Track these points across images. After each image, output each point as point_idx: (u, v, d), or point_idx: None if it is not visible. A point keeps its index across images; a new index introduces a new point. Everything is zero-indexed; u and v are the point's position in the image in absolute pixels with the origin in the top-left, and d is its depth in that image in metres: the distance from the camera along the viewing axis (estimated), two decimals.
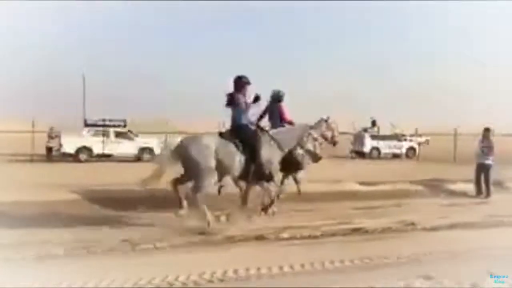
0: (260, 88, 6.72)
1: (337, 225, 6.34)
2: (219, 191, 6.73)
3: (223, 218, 6.32)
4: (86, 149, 18.60)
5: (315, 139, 7.40)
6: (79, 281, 3.94)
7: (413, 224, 6.53)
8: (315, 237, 5.81)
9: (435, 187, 10.39)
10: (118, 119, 21.01)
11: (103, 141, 18.71)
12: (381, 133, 25.67)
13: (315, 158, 7.48)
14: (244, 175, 6.20)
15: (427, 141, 38.15)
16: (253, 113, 6.82)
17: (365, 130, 25.41)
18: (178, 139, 6.24)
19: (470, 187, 10.15)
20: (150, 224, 6.29)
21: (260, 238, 5.65)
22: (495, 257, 4.94)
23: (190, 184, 6.08)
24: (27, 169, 14.91)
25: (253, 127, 6.63)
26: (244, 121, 6.37)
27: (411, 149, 25.02)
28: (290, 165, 6.98)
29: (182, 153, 5.96)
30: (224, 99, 6.39)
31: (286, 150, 6.66)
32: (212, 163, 5.91)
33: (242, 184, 6.81)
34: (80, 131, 19.70)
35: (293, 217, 6.73)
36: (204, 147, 5.92)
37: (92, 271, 4.22)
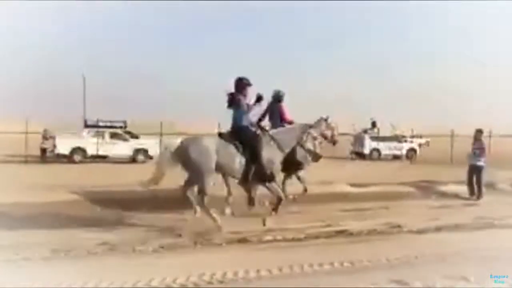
0: (260, 88, 6.72)
1: (322, 227, 6.28)
2: None
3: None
4: (81, 150, 18.56)
5: (314, 138, 7.40)
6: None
7: (399, 226, 6.46)
8: (299, 239, 5.75)
9: (426, 188, 10.35)
10: (118, 120, 21.00)
11: (97, 142, 18.63)
12: (381, 134, 25.66)
13: (315, 157, 7.50)
14: (245, 177, 6.20)
15: (427, 143, 38.15)
16: (254, 113, 6.84)
17: (365, 131, 25.38)
18: (177, 141, 6.24)
19: (462, 189, 10.09)
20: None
21: (242, 241, 5.59)
22: (483, 259, 4.88)
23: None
24: (22, 170, 14.88)
25: (253, 128, 6.65)
26: (244, 123, 6.36)
27: (411, 150, 24.97)
28: (291, 165, 7.00)
29: (182, 155, 5.98)
30: (224, 99, 6.39)
31: (287, 150, 6.64)
32: (212, 164, 5.91)
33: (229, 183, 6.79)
34: (80, 132, 19.64)
35: (279, 219, 6.66)
36: (204, 148, 5.92)
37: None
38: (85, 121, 20.33)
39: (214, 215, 6.01)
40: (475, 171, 9.83)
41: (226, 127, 6.67)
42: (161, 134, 20.47)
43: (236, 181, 6.55)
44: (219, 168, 6.06)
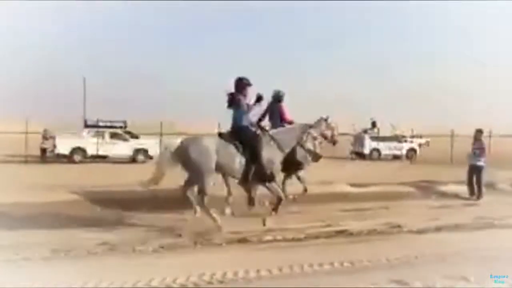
0: (260, 88, 6.72)
1: (322, 227, 6.28)
2: None
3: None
4: (81, 150, 18.56)
5: (314, 138, 7.41)
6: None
7: (399, 226, 6.45)
8: (299, 239, 5.74)
9: (426, 188, 10.34)
10: (118, 120, 20.99)
11: (97, 142, 18.62)
12: (381, 134, 25.68)
13: (315, 157, 7.50)
14: (245, 177, 6.20)
15: (427, 143, 38.24)
16: (254, 113, 6.85)
17: (365, 131, 25.41)
18: (177, 141, 6.25)
19: (462, 189, 10.09)
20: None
21: (242, 241, 5.59)
22: (483, 259, 4.88)
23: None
24: (22, 170, 14.87)
25: (253, 128, 6.65)
26: (244, 123, 6.36)
27: (411, 150, 25.01)
28: (291, 165, 7.00)
29: (182, 155, 5.98)
30: (224, 99, 6.39)
31: (287, 150, 6.64)
32: (212, 164, 5.92)
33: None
34: (80, 132, 19.63)
35: (279, 219, 6.66)
36: (204, 148, 5.93)
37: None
38: (85, 121, 20.33)
39: (214, 215, 6.01)
40: (475, 171, 9.83)
41: (226, 127, 6.67)
42: (161, 134, 20.49)
43: (236, 181, 6.55)
44: (219, 168, 6.07)
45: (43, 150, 18.45)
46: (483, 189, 9.78)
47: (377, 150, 24.16)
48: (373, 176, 12.70)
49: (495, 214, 7.59)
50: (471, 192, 9.85)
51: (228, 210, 7.06)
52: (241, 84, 6.34)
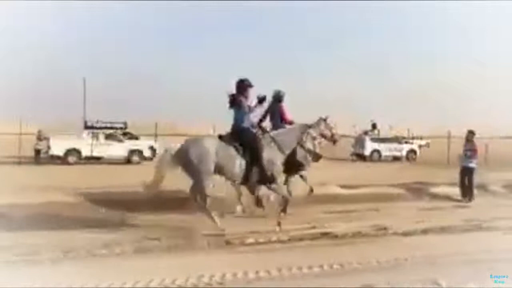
0: (261, 89, 6.71)
1: (307, 230, 6.22)
2: None
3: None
4: (75, 152, 18.48)
5: (314, 138, 7.40)
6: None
7: (385, 228, 6.39)
8: (282, 241, 5.69)
9: (418, 190, 10.27)
10: (118, 121, 20.93)
11: (91, 144, 18.56)
12: (381, 135, 25.76)
13: (316, 157, 7.51)
14: (245, 179, 6.20)
15: (427, 144, 38.40)
16: (255, 114, 6.85)
17: (366, 133, 25.51)
18: (178, 145, 6.27)
19: (455, 190, 10.01)
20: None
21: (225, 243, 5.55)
22: (466, 262, 4.84)
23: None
24: (16, 171, 14.83)
25: (254, 129, 6.65)
26: (245, 125, 6.34)
27: (411, 151, 25.08)
28: (292, 166, 7.00)
29: (183, 157, 6.00)
30: (223, 100, 6.39)
31: (287, 151, 6.64)
32: (211, 166, 5.92)
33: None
34: (80, 133, 19.50)
35: (264, 222, 6.61)
36: (204, 150, 5.93)
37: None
38: (85, 123, 20.12)
39: (215, 217, 5.99)
40: (466, 173, 9.76)
41: (223, 129, 6.68)
42: (155, 135, 20.47)
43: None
44: (218, 170, 6.06)
45: (37, 151, 18.35)
46: (475, 191, 9.71)
47: (378, 152, 24.18)
48: (368, 177, 12.63)
49: (484, 216, 7.54)
50: (464, 194, 9.78)
51: (239, 208, 7.18)
52: (243, 86, 6.34)
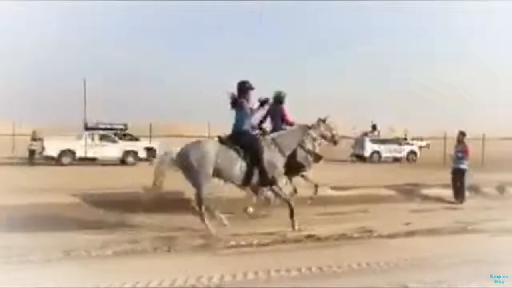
0: (261, 89, 6.71)
1: (290, 232, 6.14)
2: None
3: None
4: (70, 152, 18.38)
5: (314, 139, 7.42)
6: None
7: (370, 231, 6.30)
8: (264, 244, 5.60)
9: (409, 191, 10.18)
10: (119, 122, 20.83)
11: (85, 144, 18.47)
12: (382, 136, 25.77)
13: (316, 158, 7.51)
14: (246, 181, 6.18)
15: (428, 145, 38.35)
16: (256, 116, 6.85)
17: (366, 134, 25.50)
18: (177, 148, 6.26)
19: (447, 192, 9.92)
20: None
21: (205, 246, 5.47)
22: (450, 265, 4.77)
23: None
24: (11, 172, 14.77)
25: (255, 131, 6.65)
26: (246, 127, 6.31)
27: (412, 152, 25.03)
28: (292, 167, 6.97)
29: (183, 160, 6.01)
30: (223, 101, 6.36)
31: (288, 153, 6.61)
32: (210, 170, 5.92)
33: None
34: (81, 135, 19.18)
35: (247, 224, 6.54)
36: (204, 153, 5.93)
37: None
38: (86, 124, 19.75)
39: (209, 223, 5.99)
40: (458, 174, 9.67)
41: (220, 131, 6.69)
42: (150, 136, 20.40)
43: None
44: (218, 173, 6.04)
45: (32, 152, 18.26)
46: (466, 193, 9.62)
47: (378, 153, 24.13)
48: (363, 178, 12.53)
49: (473, 218, 7.46)
50: (456, 195, 9.69)
51: (251, 209, 7.19)
52: (244, 88, 6.32)
